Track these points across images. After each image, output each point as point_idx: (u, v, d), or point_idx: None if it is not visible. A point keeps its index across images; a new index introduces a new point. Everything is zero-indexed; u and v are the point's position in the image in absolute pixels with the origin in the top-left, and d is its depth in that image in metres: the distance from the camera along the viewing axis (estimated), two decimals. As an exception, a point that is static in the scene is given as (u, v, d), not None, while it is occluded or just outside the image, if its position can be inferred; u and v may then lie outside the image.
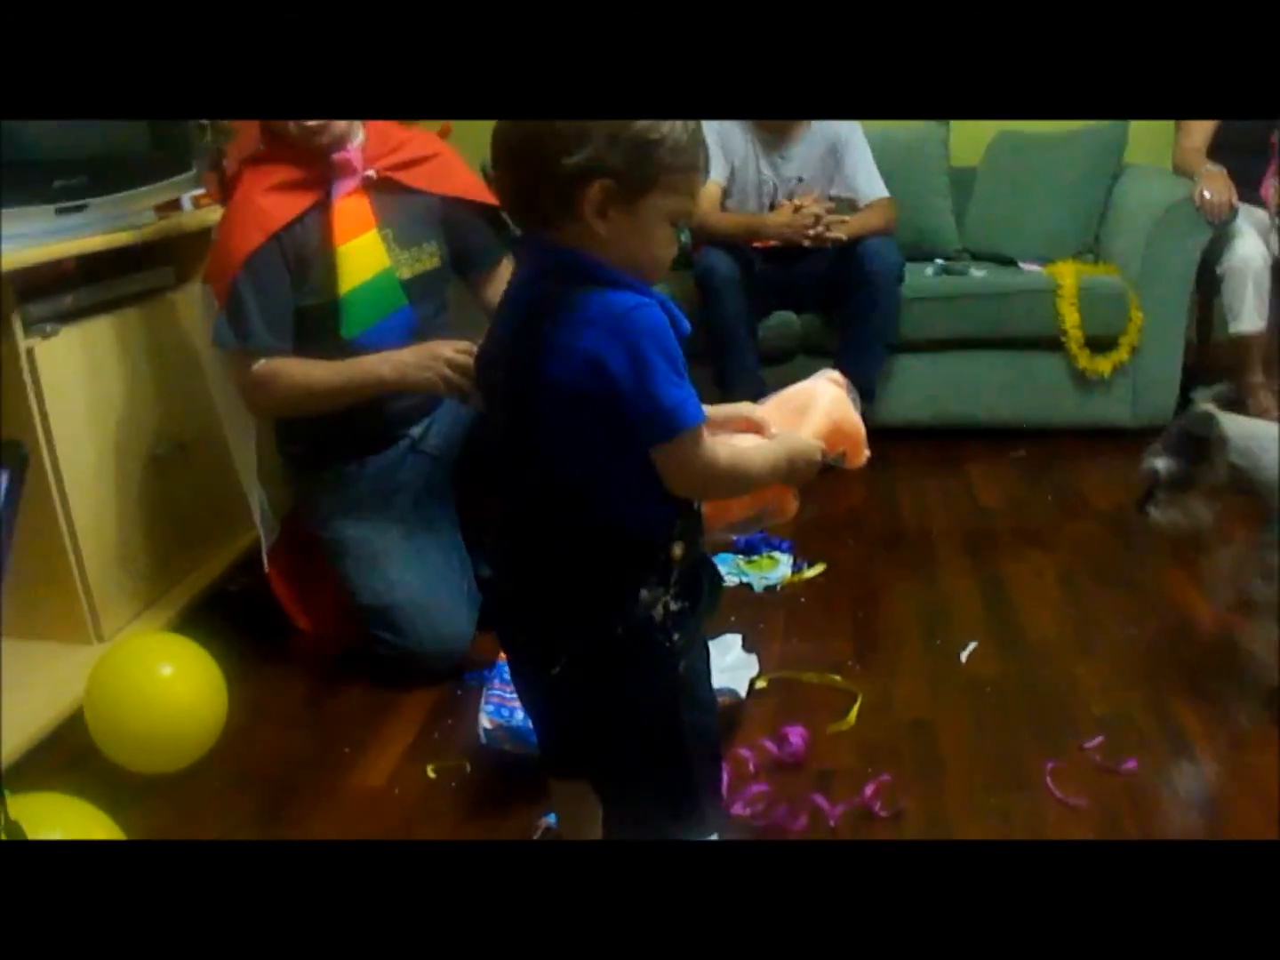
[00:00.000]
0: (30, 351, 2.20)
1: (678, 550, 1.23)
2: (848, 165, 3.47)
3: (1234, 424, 2.05)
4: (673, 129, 1.16)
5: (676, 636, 1.24)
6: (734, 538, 1.49)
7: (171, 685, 2.05)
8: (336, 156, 2.30)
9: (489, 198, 2.51)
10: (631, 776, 1.32)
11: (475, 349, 2.23)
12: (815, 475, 1.36)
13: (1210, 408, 2.04)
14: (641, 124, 1.15)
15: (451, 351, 2.24)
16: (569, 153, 1.13)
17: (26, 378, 2.20)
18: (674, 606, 1.23)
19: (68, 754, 2.08)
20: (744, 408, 1.40)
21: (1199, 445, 2.02)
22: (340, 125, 2.29)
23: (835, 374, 1.50)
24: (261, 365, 2.28)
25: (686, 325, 1.20)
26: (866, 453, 1.50)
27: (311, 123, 2.24)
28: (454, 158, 2.56)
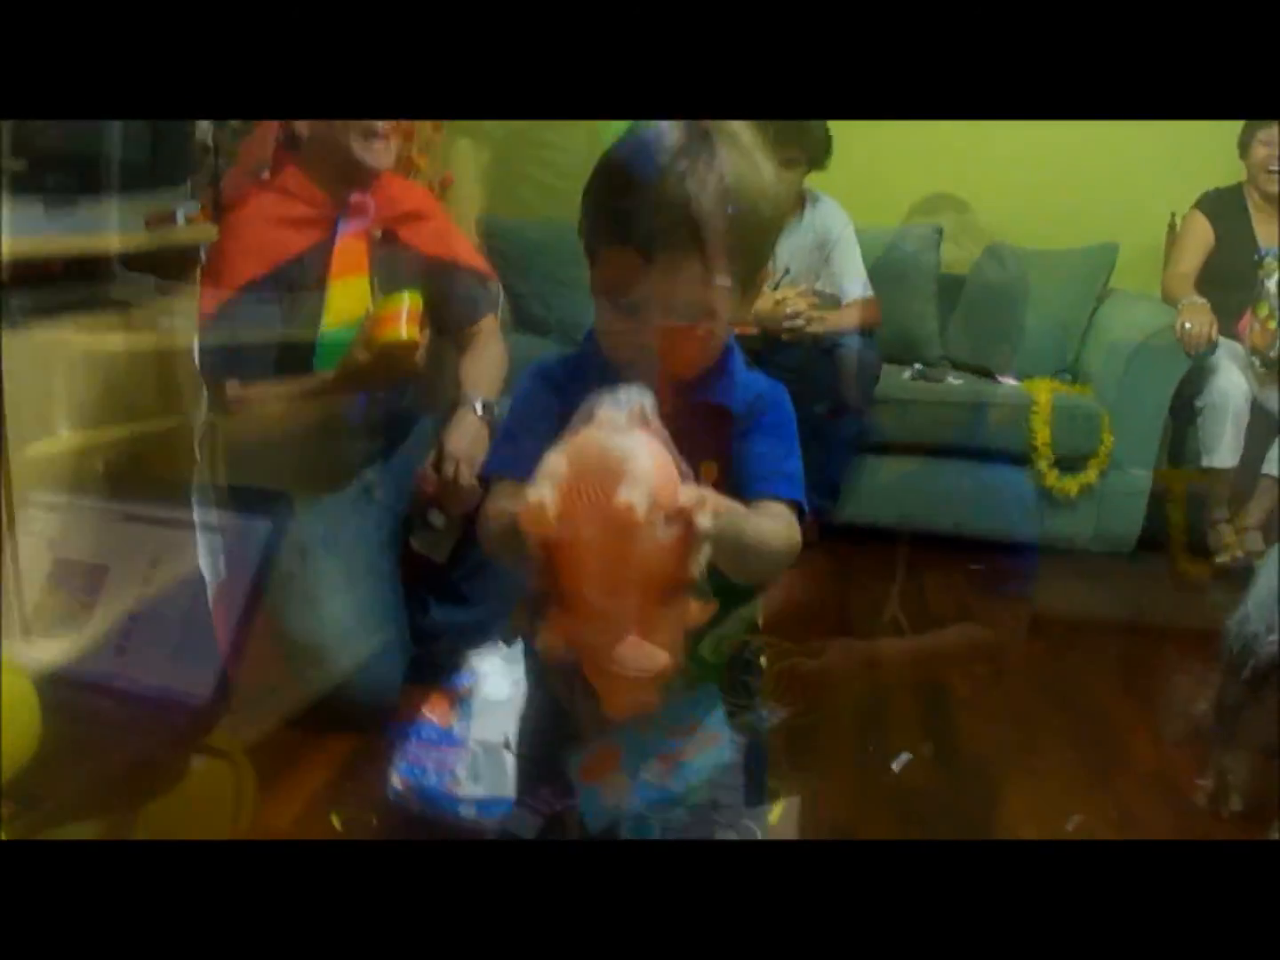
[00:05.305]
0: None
1: None
2: (835, 262, 3.49)
3: None
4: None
5: None
6: None
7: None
8: (354, 199, 2.32)
9: (478, 262, 2.58)
10: None
11: None
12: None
13: None
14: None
15: None
16: None
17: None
18: None
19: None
20: None
21: None
22: (387, 150, 2.30)
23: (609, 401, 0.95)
24: (235, 386, 2.27)
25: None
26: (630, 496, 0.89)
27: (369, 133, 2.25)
28: (447, 220, 2.60)
